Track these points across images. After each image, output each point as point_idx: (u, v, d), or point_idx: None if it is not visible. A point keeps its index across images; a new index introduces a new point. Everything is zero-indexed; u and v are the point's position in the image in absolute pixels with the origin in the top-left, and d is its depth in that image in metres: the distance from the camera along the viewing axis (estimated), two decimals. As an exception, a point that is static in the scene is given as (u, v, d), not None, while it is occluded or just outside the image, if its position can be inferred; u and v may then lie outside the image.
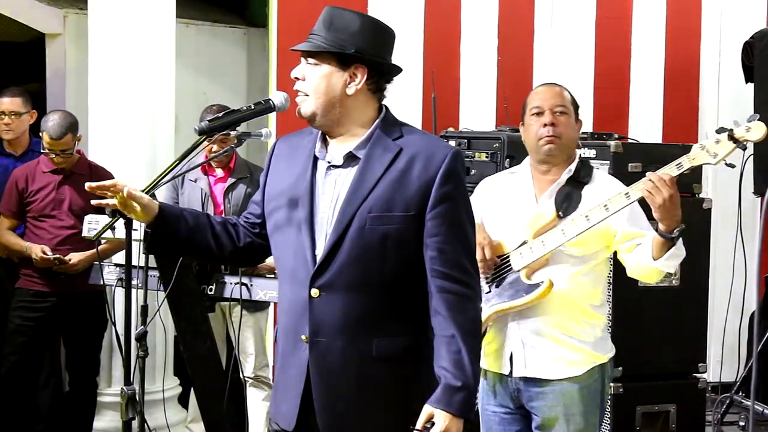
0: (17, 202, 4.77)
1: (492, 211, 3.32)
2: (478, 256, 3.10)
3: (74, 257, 4.63)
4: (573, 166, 3.26)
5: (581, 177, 3.26)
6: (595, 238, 3.20)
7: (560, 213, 3.19)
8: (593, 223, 3.13)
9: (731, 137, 3.04)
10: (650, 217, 3.19)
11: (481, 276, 3.19)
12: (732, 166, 3.27)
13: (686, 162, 3.11)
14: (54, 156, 4.67)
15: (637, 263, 3.20)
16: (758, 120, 3.04)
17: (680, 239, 3.11)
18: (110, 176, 4.79)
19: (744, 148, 3.09)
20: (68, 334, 4.81)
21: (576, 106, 3.32)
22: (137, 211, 2.51)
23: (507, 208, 3.28)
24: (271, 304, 4.71)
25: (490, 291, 3.23)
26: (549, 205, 3.22)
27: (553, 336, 3.19)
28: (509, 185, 3.35)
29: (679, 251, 3.11)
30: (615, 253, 3.33)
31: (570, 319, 3.21)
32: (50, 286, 4.70)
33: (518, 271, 3.20)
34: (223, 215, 4.61)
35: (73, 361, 4.90)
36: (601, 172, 3.38)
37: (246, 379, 4.77)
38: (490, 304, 3.20)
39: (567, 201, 3.21)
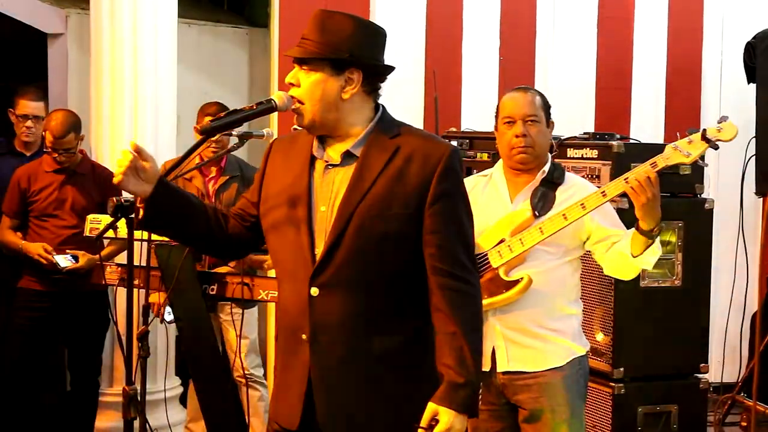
0: (19, 201, 4.77)
1: None
2: None
3: (81, 259, 4.62)
4: (547, 168, 3.35)
5: (554, 178, 3.35)
6: (569, 235, 3.30)
7: (536, 212, 3.28)
8: (570, 221, 3.24)
9: (704, 137, 3.21)
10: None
11: None
12: (705, 165, 3.39)
13: (661, 161, 3.24)
14: (57, 154, 4.68)
15: (614, 261, 3.31)
16: (729, 121, 3.18)
17: (658, 237, 3.22)
18: (112, 175, 4.80)
19: (716, 148, 3.28)
20: (70, 334, 4.81)
21: (547, 109, 3.38)
22: (145, 168, 2.47)
23: (482, 209, 3.32)
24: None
25: None
26: (524, 205, 3.31)
27: (532, 330, 3.27)
28: (484, 187, 3.43)
29: (657, 248, 3.25)
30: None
31: (547, 314, 3.29)
32: (52, 286, 4.70)
33: (496, 268, 3.26)
34: None
35: (74, 361, 4.90)
36: (572, 174, 3.50)
37: (239, 379, 4.72)
38: None
39: (542, 201, 3.30)
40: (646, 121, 6.19)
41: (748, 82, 5.48)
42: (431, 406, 2.42)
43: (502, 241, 3.28)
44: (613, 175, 4.16)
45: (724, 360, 5.73)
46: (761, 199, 5.51)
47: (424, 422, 2.42)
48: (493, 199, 3.38)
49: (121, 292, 4.29)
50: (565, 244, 3.30)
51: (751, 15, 6.19)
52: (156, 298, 4.07)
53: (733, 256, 5.26)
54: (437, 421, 2.40)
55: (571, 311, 3.35)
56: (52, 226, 4.72)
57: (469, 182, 3.44)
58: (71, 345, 4.86)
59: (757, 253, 5.66)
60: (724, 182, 5.74)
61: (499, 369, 3.29)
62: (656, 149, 4.59)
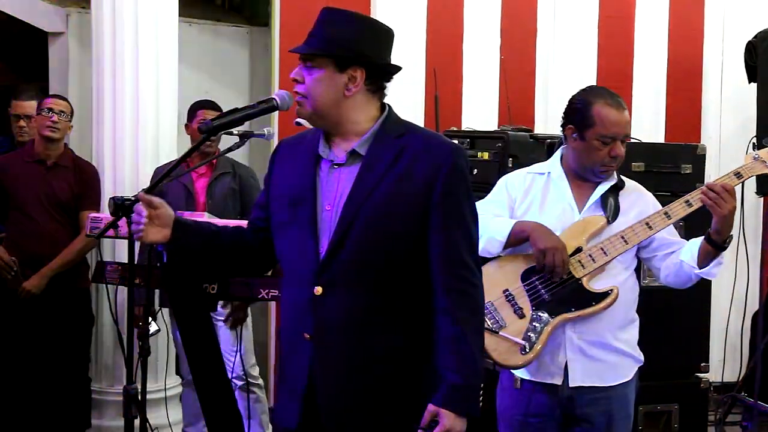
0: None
1: (527, 212, 3.27)
2: (557, 260, 3.09)
3: (27, 284, 4.62)
4: (615, 174, 3.27)
5: (618, 182, 3.28)
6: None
7: (609, 219, 3.20)
8: (655, 231, 3.18)
9: None
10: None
11: (539, 283, 3.18)
12: None
13: (745, 173, 3.18)
14: (49, 118, 4.64)
15: (674, 270, 3.24)
16: None
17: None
18: (94, 170, 4.81)
19: None
20: (53, 333, 4.74)
21: None
22: (159, 216, 2.49)
23: (546, 212, 3.24)
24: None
25: (551, 300, 3.17)
26: (596, 212, 3.23)
27: (610, 344, 3.21)
28: (543, 187, 3.30)
29: (722, 259, 3.17)
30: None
31: (621, 326, 3.24)
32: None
33: (580, 279, 3.17)
34: (205, 212, 4.58)
35: (61, 358, 4.84)
36: (625, 177, 3.41)
37: (235, 381, 4.70)
38: (555, 312, 3.16)
39: (613, 207, 3.22)
40: (647, 121, 6.19)
41: (749, 82, 5.48)
42: (431, 408, 2.42)
43: (579, 249, 3.17)
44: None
45: (725, 359, 5.72)
46: (762, 198, 5.51)
47: (423, 423, 2.42)
48: (557, 203, 3.25)
49: (122, 291, 4.28)
50: (631, 252, 3.24)
51: (752, 14, 6.19)
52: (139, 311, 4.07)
53: (734, 255, 5.25)
54: (437, 423, 2.40)
55: (635, 319, 3.31)
56: (34, 219, 4.69)
57: (522, 177, 3.34)
58: (56, 343, 4.78)
59: (758, 253, 5.66)
60: (725, 181, 5.73)
61: (572, 383, 3.18)
62: (657, 148, 4.63)
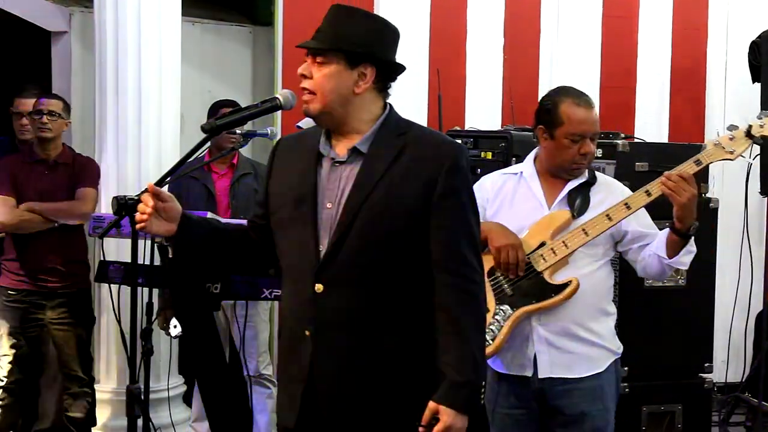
0: (12, 183, 4.69)
1: (498, 211, 3.32)
2: (511, 258, 3.16)
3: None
4: (587, 171, 3.30)
5: (589, 178, 3.32)
6: (608, 237, 3.27)
7: (575, 213, 3.23)
8: (615, 222, 3.21)
9: (748, 133, 3.14)
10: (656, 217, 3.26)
11: (502, 278, 3.23)
12: (751, 161, 3.34)
13: (704, 159, 3.19)
14: (41, 119, 4.64)
15: (648, 262, 3.27)
16: None
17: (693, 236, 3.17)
18: (93, 165, 4.80)
19: (760, 144, 3.18)
20: (54, 332, 4.75)
21: None
22: (166, 209, 2.49)
23: (516, 210, 3.28)
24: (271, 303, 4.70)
25: (513, 294, 3.22)
26: (562, 207, 3.26)
27: (577, 335, 3.23)
28: (515, 186, 3.35)
29: (692, 247, 3.20)
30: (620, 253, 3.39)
31: (590, 317, 3.25)
32: (32, 285, 4.67)
33: (541, 272, 3.21)
34: (230, 212, 4.61)
35: (64, 358, 4.83)
36: (599, 172, 3.45)
37: (249, 377, 4.73)
38: (516, 306, 3.21)
39: (579, 202, 3.26)
40: (651, 120, 6.19)
41: (753, 81, 5.47)
42: (432, 405, 2.42)
43: (542, 244, 3.22)
44: (618, 175, 4.15)
45: (729, 360, 5.71)
46: (766, 198, 5.50)
47: (424, 421, 2.43)
48: (526, 200, 3.31)
49: (124, 290, 4.27)
50: (604, 245, 3.27)
51: (755, 14, 6.18)
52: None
53: (738, 255, 5.25)
54: (437, 420, 2.41)
55: (609, 313, 3.32)
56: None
57: (495, 178, 3.40)
58: (57, 343, 4.78)
59: (762, 253, 5.65)
60: (729, 181, 5.72)
61: (541, 375, 3.22)
62: (661, 148, 4.63)
